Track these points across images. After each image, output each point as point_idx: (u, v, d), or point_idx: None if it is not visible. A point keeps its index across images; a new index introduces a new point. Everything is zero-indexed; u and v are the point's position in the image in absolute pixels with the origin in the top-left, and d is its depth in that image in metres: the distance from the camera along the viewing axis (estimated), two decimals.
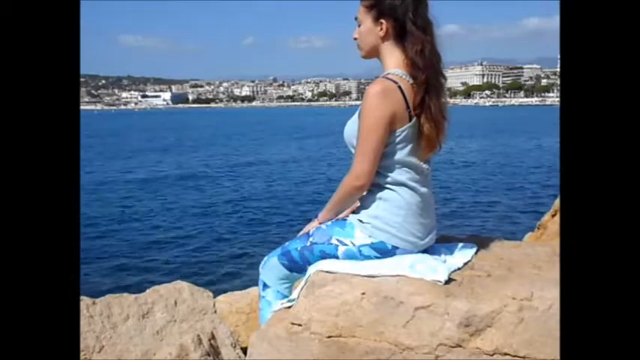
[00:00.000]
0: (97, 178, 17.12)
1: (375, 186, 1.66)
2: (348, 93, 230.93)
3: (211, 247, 8.94)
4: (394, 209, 1.63)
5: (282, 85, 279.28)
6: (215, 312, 2.56)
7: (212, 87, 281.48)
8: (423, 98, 1.58)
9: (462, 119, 57.88)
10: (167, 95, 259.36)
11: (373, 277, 1.54)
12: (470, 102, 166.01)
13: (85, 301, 2.24)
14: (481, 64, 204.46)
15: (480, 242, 1.87)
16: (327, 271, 1.61)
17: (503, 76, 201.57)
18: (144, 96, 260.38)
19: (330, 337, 1.47)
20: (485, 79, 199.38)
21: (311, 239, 1.72)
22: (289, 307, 1.64)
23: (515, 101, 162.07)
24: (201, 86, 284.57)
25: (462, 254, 1.74)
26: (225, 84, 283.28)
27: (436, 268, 1.56)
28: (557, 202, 3.26)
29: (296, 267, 1.75)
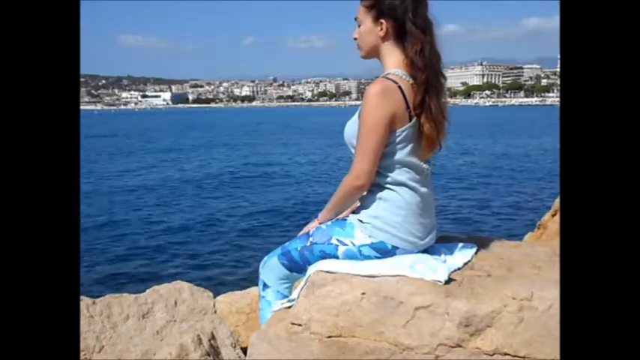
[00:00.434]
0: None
1: (375, 186, 1.66)
2: (348, 93, 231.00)
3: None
4: (394, 209, 1.63)
5: (282, 85, 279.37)
6: (215, 312, 2.56)
7: (212, 87, 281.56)
8: (423, 98, 1.58)
9: (462, 119, 57.89)
10: (167, 95, 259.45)
11: (373, 277, 1.54)
12: (470, 102, 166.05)
13: (85, 301, 2.24)
14: (481, 64, 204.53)
15: (480, 242, 1.87)
16: (327, 271, 1.61)
17: (503, 76, 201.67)
18: (144, 96, 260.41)
19: (330, 337, 1.47)
20: (485, 79, 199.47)
21: (311, 239, 1.72)
22: (289, 307, 1.64)
23: (515, 101, 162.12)
24: (201, 86, 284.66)
25: (462, 254, 1.74)
26: (225, 84, 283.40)
27: (436, 268, 1.56)
28: (557, 202, 3.26)
29: (296, 267, 1.75)
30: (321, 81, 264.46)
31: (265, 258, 1.84)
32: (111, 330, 2.22)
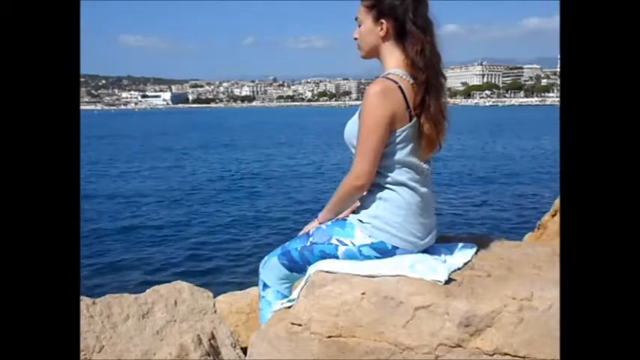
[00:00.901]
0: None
1: (375, 186, 1.66)
2: (348, 93, 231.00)
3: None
4: (394, 209, 1.63)
5: (282, 85, 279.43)
6: (215, 312, 2.56)
7: (212, 87, 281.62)
8: (423, 98, 1.58)
9: (462, 119, 57.84)
10: (167, 95, 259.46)
11: (373, 277, 1.54)
12: (470, 102, 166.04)
13: (85, 301, 2.25)
14: (481, 64, 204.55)
15: (480, 242, 1.87)
16: (327, 271, 1.61)
17: (503, 76, 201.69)
18: (144, 96, 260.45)
19: (330, 337, 1.47)
20: (485, 79, 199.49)
21: (311, 239, 1.72)
22: (289, 307, 1.64)
23: (515, 101, 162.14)
24: (201, 86, 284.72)
25: (462, 254, 1.74)
26: (225, 84, 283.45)
27: (436, 268, 1.56)
28: (557, 202, 3.26)
29: (296, 267, 1.75)
30: (321, 81, 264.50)
31: (265, 258, 1.84)
32: (111, 330, 2.22)
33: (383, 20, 1.63)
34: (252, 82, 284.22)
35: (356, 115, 1.64)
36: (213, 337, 2.35)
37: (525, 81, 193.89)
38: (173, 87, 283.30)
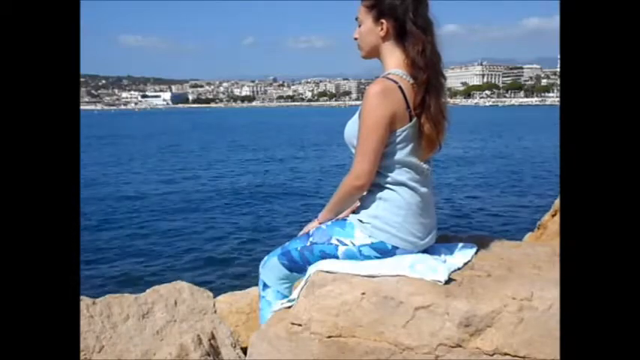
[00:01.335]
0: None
1: (375, 186, 1.66)
2: (348, 93, 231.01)
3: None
4: (394, 209, 1.63)
5: (282, 85, 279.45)
6: (215, 312, 2.56)
7: (212, 87, 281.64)
8: (423, 98, 1.58)
9: (462, 119, 57.80)
10: (167, 95, 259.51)
11: (373, 277, 1.54)
12: (470, 102, 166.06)
13: (85, 301, 2.25)
14: (481, 64, 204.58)
15: (480, 242, 1.87)
16: (327, 271, 1.61)
17: (503, 76, 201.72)
18: (144, 96, 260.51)
19: (330, 337, 1.47)
20: (485, 79, 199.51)
21: (311, 239, 1.72)
22: (289, 307, 1.64)
23: (515, 101, 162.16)
24: (201, 86, 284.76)
25: (462, 254, 1.74)
26: (225, 84, 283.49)
27: (436, 268, 1.56)
28: (557, 202, 3.26)
29: (296, 267, 1.75)
30: (321, 81, 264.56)
31: (265, 258, 1.84)
32: (111, 330, 2.22)
33: (383, 20, 1.63)
34: (252, 82, 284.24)
35: (356, 115, 1.64)
36: (213, 337, 2.35)
37: (525, 81, 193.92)
38: (173, 87, 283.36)
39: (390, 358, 1.41)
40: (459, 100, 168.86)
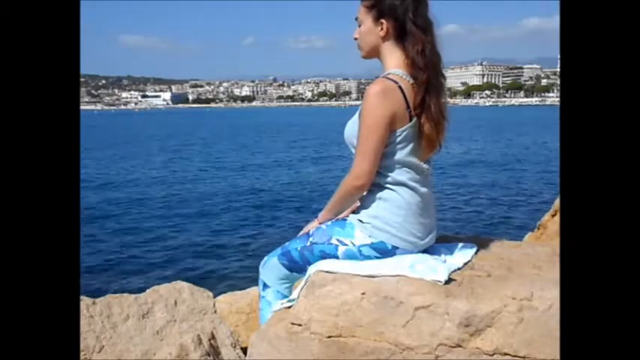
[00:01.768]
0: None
1: (375, 186, 1.66)
2: (348, 93, 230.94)
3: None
4: (394, 209, 1.63)
5: (282, 85, 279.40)
6: (215, 312, 2.56)
7: (212, 87, 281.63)
8: (423, 98, 1.58)
9: (462, 119, 57.73)
10: (167, 95, 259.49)
11: (373, 277, 1.54)
12: (470, 102, 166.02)
13: (85, 301, 2.25)
14: (481, 64, 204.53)
15: (480, 242, 1.87)
16: (327, 271, 1.61)
17: (503, 76, 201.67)
18: (144, 96, 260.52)
19: (330, 337, 1.47)
20: (485, 79, 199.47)
21: (311, 239, 1.72)
22: (289, 307, 1.64)
23: (515, 101, 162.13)
24: (201, 86, 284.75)
25: (462, 254, 1.74)
26: (225, 84, 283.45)
27: (436, 268, 1.56)
28: (557, 202, 3.26)
29: (296, 267, 1.75)
30: (321, 81, 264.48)
31: (265, 258, 1.84)
32: (111, 330, 2.22)
33: (383, 20, 1.63)
34: (252, 82, 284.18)
35: (356, 115, 1.64)
36: (213, 337, 2.35)
37: (525, 81, 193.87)
38: (173, 87, 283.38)
39: (390, 358, 1.41)
40: (459, 100, 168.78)
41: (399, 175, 1.63)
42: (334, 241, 1.68)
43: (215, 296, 2.78)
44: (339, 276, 1.57)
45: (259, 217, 11.36)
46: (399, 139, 1.59)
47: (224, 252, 8.66)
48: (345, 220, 1.71)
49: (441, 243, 1.82)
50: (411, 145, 1.62)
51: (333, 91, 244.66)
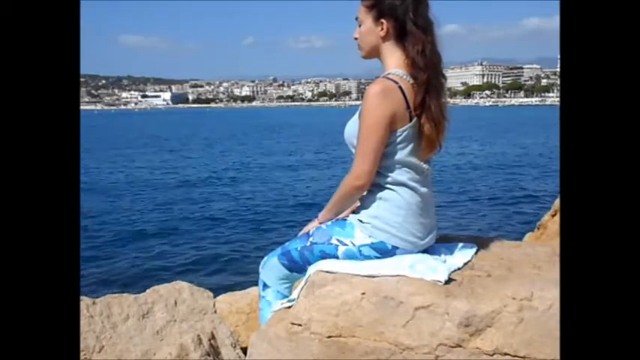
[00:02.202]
0: None
1: (375, 186, 1.66)
2: (348, 93, 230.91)
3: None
4: (394, 209, 1.63)
5: (282, 85, 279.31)
6: (215, 312, 2.56)
7: (212, 87, 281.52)
8: (423, 98, 1.58)
9: (462, 119, 57.68)
10: (167, 95, 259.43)
11: (373, 277, 1.54)
12: (470, 102, 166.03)
13: (85, 301, 2.25)
14: (481, 64, 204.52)
15: (480, 242, 1.87)
16: (327, 271, 1.61)
17: (503, 76, 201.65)
18: (144, 96, 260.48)
19: (330, 337, 1.47)
20: (485, 79, 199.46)
21: (311, 239, 1.72)
22: (289, 307, 1.64)
23: (515, 101, 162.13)
24: (201, 86, 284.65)
25: (462, 254, 1.74)
26: (225, 84, 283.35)
27: (436, 268, 1.56)
28: (557, 202, 3.26)
29: (296, 267, 1.75)
30: (321, 81, 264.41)
31: (265, 258, 1.84)
32: (111, 330, 2.22)
33: (383, 20, 1.63)
34: (252, 82, 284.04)
35: (356, 115, 1.64)
36: (213, 337, 2.35)
37: (525, 81, 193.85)
38: (173, 87, 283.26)
39: (390, 358, 1.41)
40: (459, 100, 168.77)
41: (399, 175, 1.63)
42: (334, 241, 1.68)
43: (215, 296, 2.78)
44: (339, 276, 1.57)
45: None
46: (399, 139, 1.59)
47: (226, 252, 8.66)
48: (345, 220, 1.71)
49: (441, 243, 1.82)
50: (411, 146, 1.62)
51: (333, 91, 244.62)
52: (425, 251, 1.69)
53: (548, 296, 1.38)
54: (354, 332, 1.45)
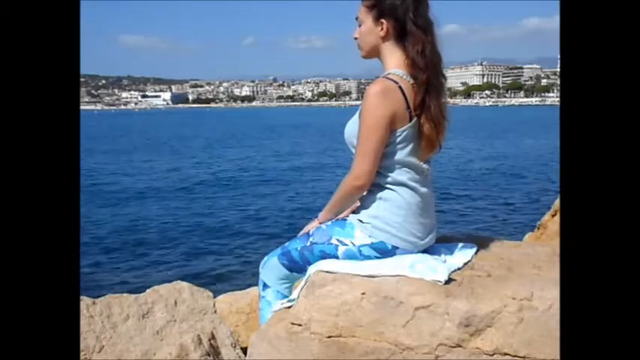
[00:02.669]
0: None
1: (375, 186, 1.66)
2: (348, 93, 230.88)
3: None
4: (394, 209, 1.63)
5: (282, 85, 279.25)
6: (215, 312, 2.56)
7: (212, 87, 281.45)
8: (423, 98, 1.58)
9: (463, 119, 57.65)
10: (167, 95, 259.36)
11: (373, 277, 1.54)
12: (470, 102, 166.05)
13: (85, 301, 2.25)
14: (481, 64, 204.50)
15: (480, 242, 1.87)
16: (327, 271, 1.61)
17: (503, 76, 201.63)
18: (144, 96, 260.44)
19: (330, 337, 1.47)
20: (485, 79, 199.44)
21: (311, 239, 1.72)
22: (289, 307, 1.64)
23: (515, 101, 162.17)
24: (201, 86, 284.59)
25: (462, 254, 1.74)
26: (225, 84, 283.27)
27: (436, 268, 1.56)
28: (557, 202, 3.26)
29: (296, 267, 1.75)
30: (321, 81, 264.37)
31: (265, 258, 1.84)
32: (111, 330, 2.22)
33: (383, 20, 1.63)
34: (252, 82, 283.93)
35: (356, 115, 1.64)
36: (213, 337, 2.35)
37: (525, 81, 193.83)
38: (173, 87, 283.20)
39: (390, 358, 1.41)
40: (459, 100, 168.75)
41: (399, 175, 1.63)
42: (334, 241, 1.68)
43: (215, 296, 2.78)
44: (339, 276, 1.57)
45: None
46: (399, 139, 1.59)
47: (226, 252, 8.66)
48: (345, 220, 1.71)
49: (441, 243, 1.82)
50: (411, 146, 1.62)
51: (333, 91, 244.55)
52: (425, 251, 1.69)
53: (548, 296, 1.38)
54: (354, 332, 1.45)
